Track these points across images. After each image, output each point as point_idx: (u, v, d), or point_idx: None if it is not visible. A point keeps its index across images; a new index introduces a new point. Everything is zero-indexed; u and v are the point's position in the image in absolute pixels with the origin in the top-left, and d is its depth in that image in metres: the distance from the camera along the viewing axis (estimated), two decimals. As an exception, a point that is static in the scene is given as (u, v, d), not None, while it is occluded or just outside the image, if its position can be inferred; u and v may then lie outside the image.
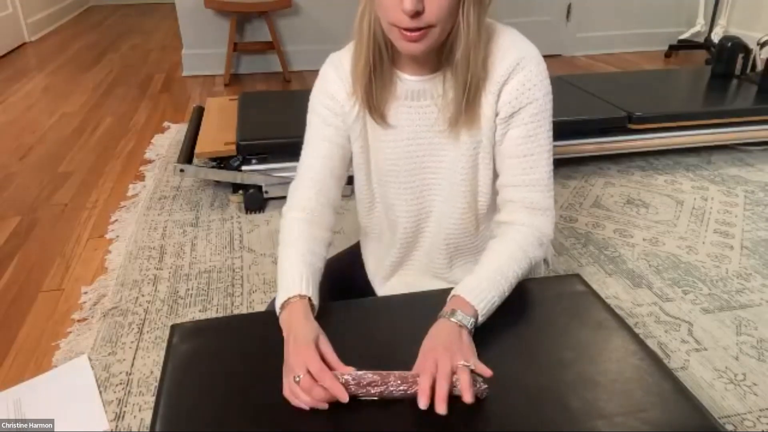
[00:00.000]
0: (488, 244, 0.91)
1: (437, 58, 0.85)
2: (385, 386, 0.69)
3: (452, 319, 0.76)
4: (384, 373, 0.70)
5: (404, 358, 0.74)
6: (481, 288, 0.80)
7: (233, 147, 2.04)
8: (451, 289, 0.83)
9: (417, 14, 0.75)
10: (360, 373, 0.70)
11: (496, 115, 0.88)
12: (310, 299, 0.82)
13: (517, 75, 0.85)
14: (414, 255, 1.05)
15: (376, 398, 0.70)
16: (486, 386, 0.70)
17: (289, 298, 0.81)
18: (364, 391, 0.69)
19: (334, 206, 0.98)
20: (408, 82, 0.89)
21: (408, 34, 0.77)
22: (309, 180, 0.96)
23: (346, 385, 0.69)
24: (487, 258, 0.87)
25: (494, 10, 0.83)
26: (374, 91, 0.88)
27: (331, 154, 0.96)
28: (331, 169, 0.96)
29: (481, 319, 0.79)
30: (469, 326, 0.76)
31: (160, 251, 1.82)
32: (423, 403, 0.66)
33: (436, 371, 0.68)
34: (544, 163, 0.89)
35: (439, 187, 0.96)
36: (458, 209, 0.95)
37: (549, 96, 0.88)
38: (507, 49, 0.86)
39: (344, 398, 0.68)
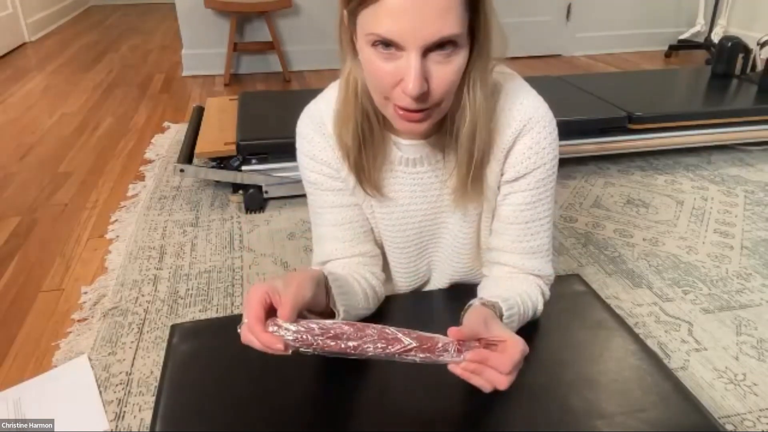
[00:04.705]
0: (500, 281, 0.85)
1: (436, 125, 0.78)
2: (345, 341, 0.59)
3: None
4: (345, 325, 0.60)
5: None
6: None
7: (233, 147, 2.03)
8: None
9: (422, 96, 0.66)
10: (305, 323, 0.60)
11: (501, 175, 0.81)
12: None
13: (524, 138, 0.78)
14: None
15: (338, 354, 0.60)
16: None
17: None
18: (317, 343, 0.60)
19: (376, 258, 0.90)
20: (404, 147, 0.81)
21: (408, 114, 0.68)
22: (332, 242, 0.88)
23: (285, 338, 0.60)
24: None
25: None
26: (366, 161, 0.80)
27: (343, 218, 0.87)
28: (352, 228, 0.87)
29: None
30: None
31: (160, 251, 1.82)
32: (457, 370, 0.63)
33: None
34: (546, 228, 0.83)
35: (439, 248, 0.92)
36: (462, 261, 0.91)
37: (557, 159, 0.81)
38: (512, 110, 0.78)
39: (278, 349, 0.61)
